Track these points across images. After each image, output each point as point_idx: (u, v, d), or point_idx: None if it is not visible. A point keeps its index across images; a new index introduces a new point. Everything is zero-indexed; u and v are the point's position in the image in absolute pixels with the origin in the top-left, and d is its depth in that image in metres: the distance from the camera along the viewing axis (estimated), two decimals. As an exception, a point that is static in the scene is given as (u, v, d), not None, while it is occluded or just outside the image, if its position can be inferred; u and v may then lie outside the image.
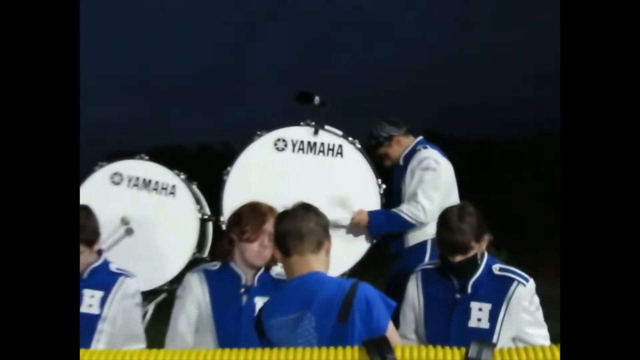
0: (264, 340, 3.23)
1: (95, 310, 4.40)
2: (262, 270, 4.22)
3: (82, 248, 4.34)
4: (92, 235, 4.38)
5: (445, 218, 4.13)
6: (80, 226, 4.35)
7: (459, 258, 4.06)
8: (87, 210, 4.49)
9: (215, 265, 4.31)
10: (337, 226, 5.01)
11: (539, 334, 4.16)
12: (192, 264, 5.12)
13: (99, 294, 4.41)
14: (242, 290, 4.18)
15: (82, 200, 5.17)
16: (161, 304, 5.48)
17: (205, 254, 5.55)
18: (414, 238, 5.38)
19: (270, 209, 4.10)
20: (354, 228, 5.23)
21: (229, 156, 5.49)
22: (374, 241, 5.33)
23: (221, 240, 4.60)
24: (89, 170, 5.63)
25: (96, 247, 4.45)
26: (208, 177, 5.87)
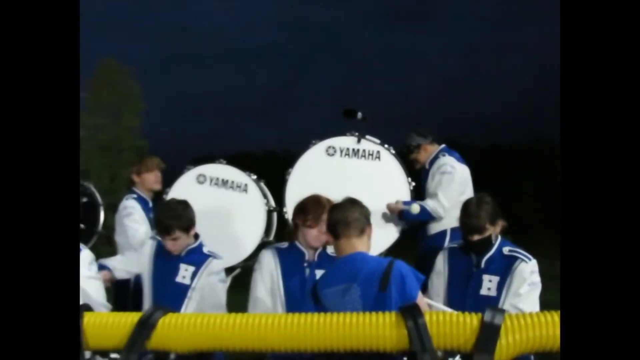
0: (320, 306, 3.25)
1: (187, 281, 4.50)
2: (321, 249, 4.26)
3: (179, 233, 4.45)
4: (189, 223, 4.49)
5: (466, 205, 4.25)
6: (179, 216, 4.45)
7: (476, 237, 4.15)
8: (185, 203, 4.58)
9: (284, 244, 4.40)
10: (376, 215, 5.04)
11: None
12: (261, 246, 5.17)
13: (191, 268, 4.52)
14: (305, 264, 4.26)
15: (174, 196, 5.25)
16: (237, 277, 5.55)
17: (271, 237, 5.60)
18: (436, 227, 5.44)
19: (329, 201, 4.14)
20: (389, 218, 5.25)
21: (289, 160, 5.55)
22: (404, 228, 5.36)
23: (289, 224, 4.72)
24: (179, 172, 5.71)
25: (192, 232, 4.55)
26: (272, 177, 5.91)
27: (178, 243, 4.50)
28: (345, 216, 3.42)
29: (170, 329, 2.29)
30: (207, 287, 4.54)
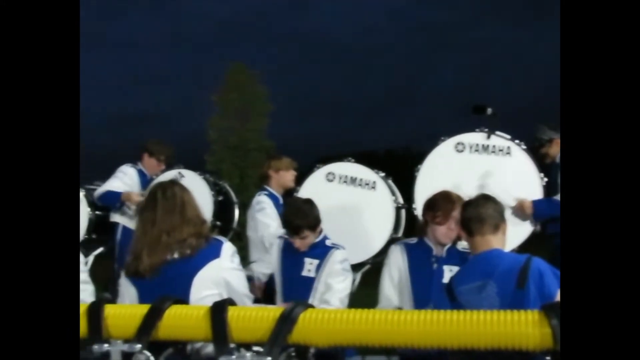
0: (455, 303, 3.19)
1: (312, 274, 4.56)
2: (449, 244, 4.20)
3: (308, 232, 4.50)
4: (316, 221, 4.54)
5: None
6: (306, 215, 4.51)
7: None
8: (310, 202, 4.63)
9: (413, 240, 4.38)
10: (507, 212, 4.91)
11: None
12: (390, 243, 5.14)
13: (315, 262, 4.57)
14: (433, 259, 4.22)
15: (304, 194, 5.32)
16: (366, 273, 5.55)
17: (400, 234, 5.55)
18: None
19: (459, 198, 4.06)
20: (520, 214, 5.09)
21: (410, 157, 5.51)
22: (537, 225, 5.17)
23: (418, 220, 4.69)
24: (309, 171, 5.78)
25: (318, 230, 4.59)
26: (395, 175, 5.87)
27: (306, 241, 4.57)
28: (479, 212, 3.34)
29: (311, 324, 2.30)
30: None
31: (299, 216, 4.53)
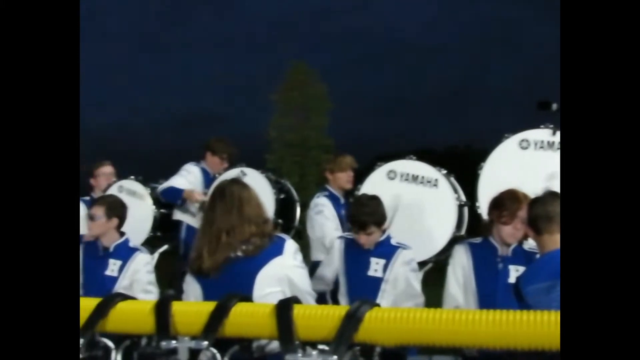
0: (522, 303, 3.11)
1: (379, 274, 4.52)
2: (515, 244, 4.11)
3: (374, 229, 4.48)
4: (382, 218, 4.52)
5: None
6: (373, 212, 4.48)
7: None
8: (377, 199, 4.61)
9: (478, 240, 4.29)
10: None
11: None
12: (452, 241, 5.07)
13: (382, 261, 4.54)
14: (499, 259, 4.13)
15: (365, 192, 5.29)
16: (429, 271, 5.48)
17: (462, 232, 5.46)
18: None
19: (525, 197, 3.97)
20: None
21: (471, 155, 5.42)
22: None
23: (482, 219, 4.62)
24: (369, 169, 5.75)
25: (384, 227, 4.57)
26: (455, 172, 5.77)
27: (371, 238, 4.54)
28: (547, 211, 3.25)
29: (377, 323, 2.28)
30: (400, 278, 4.53)
31: (366, 212, 4.51)
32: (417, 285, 4.62)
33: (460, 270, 4.25)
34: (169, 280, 6.52)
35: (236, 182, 3.70)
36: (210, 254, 3.35)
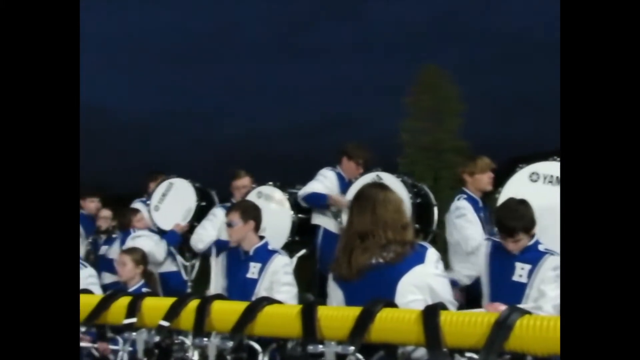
0: None
1: (523, 280, 4.37)
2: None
3: (522, 235, 4.34)
4: (531, 223, 4.39)
5: None
6: (521, 216, 4.35)
7: None
8: (525, 203, 4.47)
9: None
10: None
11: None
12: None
13: (527, 267, 4.39)
14: None
15: (506, 196, 5.15)
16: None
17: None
18: None
19: None
20: None
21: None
22: None
23: None
24: (507, 171, 5.60)
25: (532, 232, 4.42)
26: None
27: (519, 244, 4.39)
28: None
29: (529, 331, 2.21)
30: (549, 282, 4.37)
31: (514, 217, 4.36)
32: (555, 288, 4.41)
33: None
34: (306, 284, 6.63)
35: (375, 185, 3.69)
36: (348, 259, 3.36)
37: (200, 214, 6.97)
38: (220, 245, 5.85)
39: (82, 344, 3.26)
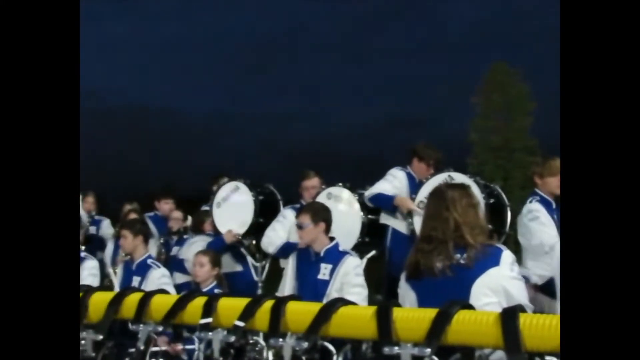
0: None
1: None
2: None
3: None
4: None
5: None
6: None
7: None
8: None
9: None
10: None
11: None
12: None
13: None
14: None
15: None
16: None
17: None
18: None
19: None
20: None
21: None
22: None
23: None
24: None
25: None
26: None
27: None
28: None
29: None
30: None
31: None
32: None
33: None
34: (376, 285, 6.61)
35: (452, 185, 3.65)
36: (423, 260, 3.34)
37: (255, 230, 6.93)
38: (287, 248, 5.90)
39: (158, 344, 3.33)
